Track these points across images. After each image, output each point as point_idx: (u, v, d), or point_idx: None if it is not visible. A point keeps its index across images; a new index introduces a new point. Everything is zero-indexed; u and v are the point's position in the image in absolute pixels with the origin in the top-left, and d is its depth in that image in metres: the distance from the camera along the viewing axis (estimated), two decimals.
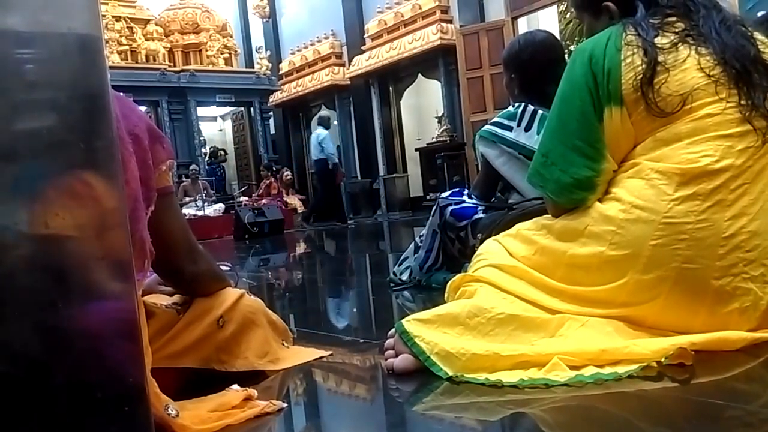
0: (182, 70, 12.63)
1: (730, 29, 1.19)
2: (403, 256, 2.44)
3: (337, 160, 10.00)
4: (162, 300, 1.25)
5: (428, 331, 1.13)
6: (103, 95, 0.71)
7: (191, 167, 11.15)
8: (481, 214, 2.05)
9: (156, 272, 1.25)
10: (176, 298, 1.27)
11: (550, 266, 1.22)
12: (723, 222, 1.08)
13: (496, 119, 2.11)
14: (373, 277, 3.31)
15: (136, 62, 12.20)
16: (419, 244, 2.29)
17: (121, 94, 1.06)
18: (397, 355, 1.15)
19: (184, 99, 12.69)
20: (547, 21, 9.33)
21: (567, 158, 1.23)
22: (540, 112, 2.00)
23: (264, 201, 10.20)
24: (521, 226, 1.34)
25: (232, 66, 13.55)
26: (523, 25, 9.34)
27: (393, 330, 1.18)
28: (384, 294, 2.37)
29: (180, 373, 1.16)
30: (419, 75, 11.38)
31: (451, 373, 1.07)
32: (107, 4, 11.96)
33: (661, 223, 1.10)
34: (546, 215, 1.31)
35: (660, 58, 1.16)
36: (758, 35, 1.22)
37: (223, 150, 15.32)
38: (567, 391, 0.98)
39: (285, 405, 1.04)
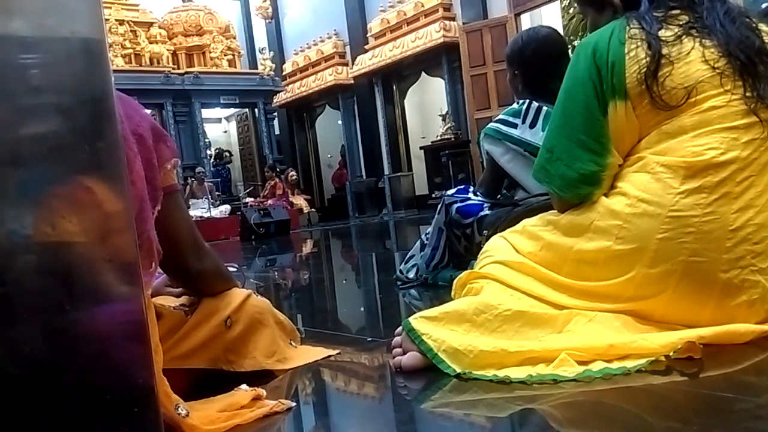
0: (186, 73, 12.68)
1: (734, 21, 1.18)
2: (409, 254, 2.44)
3: None
4: (170, 301, 1.26)
5: (435, 328, 1.14)
6: (108, 98, 0.71)
7: (197, 169, 11.18)
8: (486, 211, 2.05)
9: (163, 270, 1.26)
10: (184, 299, 1.27)
11: (557, 262, 1.22)
12: (730, 214, 1.07)
13: (500, 116, 2.11)
14: (380, 275, 3.31)
15: (140, 65, 12.26)
16: (425, 242, 2.29)
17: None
18: (404, 353, 1.15)
19: (189, 101, 12.74)
20: (550, 17, 9.29)
21: (572, 153, 1.23)
22: (545, 108, 1.99)
23: (270, 201, 10.22)
24: (527, 223, 1.34)
25: (235, 67, 13.59)
26: (526, 22, 9.32)
27: (400, 328, 1.18)
28: (391, 292, 2.37)
29: (189, 373, 1.17)
30: (423, 73, 11.37)
31: (459, 370, 1.07)
32: (110, 7, 12.02)
33: (667, 217, 1.09)
34: (552, 211, 1.31)
35: (664, 51, 1.15)
36: (763, 26, 1.21)
37: (228, 151, 15.35)
38: (575, 387, 0.97)
39: (294, 404, 1.05)
